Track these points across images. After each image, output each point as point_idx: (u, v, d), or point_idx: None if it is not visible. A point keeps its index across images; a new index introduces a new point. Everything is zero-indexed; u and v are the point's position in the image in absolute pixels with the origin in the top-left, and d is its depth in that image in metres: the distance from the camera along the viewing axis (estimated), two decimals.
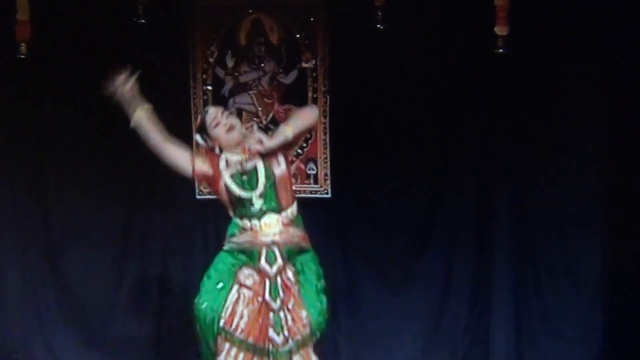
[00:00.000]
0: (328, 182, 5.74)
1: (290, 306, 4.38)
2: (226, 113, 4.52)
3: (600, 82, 5.55)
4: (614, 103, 5.46)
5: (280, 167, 4.46)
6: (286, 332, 4.36)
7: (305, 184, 5.73)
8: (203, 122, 4.50)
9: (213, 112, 4.51)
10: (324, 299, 4.45)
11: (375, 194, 5.75)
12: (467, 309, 5.74)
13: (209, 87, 5.72)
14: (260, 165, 4.42)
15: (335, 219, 5.78)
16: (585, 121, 5.62)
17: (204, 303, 4.35)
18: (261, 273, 4.40)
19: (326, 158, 5.74)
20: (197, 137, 4.54)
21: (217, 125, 4.45)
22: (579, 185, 5.66)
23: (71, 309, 5.83)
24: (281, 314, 4.37)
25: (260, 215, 4.42)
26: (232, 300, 4.35)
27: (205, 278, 4.43)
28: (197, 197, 5.75)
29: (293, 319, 4.37)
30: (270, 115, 5.73)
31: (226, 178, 4.41)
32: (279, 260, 4.41)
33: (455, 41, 5.58)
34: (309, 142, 5.73)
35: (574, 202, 5.67)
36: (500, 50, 5.15)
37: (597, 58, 5.52)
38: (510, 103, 5.65)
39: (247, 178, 4.41)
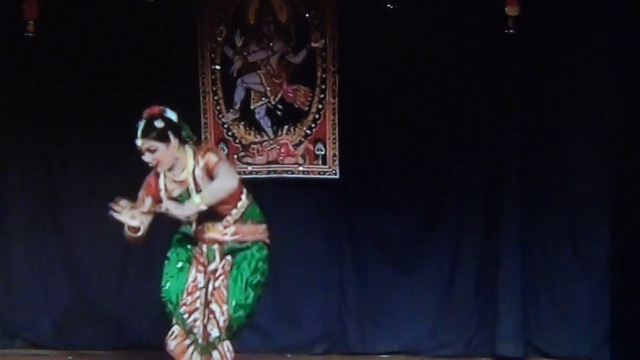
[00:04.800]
0: (336, 162, 5.71)
1: (214, 301, 4.43)
2: (147, 145, 4.38)
3: (611, 62, 5.53)
4: (625, 83, 5.43)
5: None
6: (210, 326, 4.42)
7: (314, 164, 5.72)
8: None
9: (139, 144, 4.39)
10: (251, 293, 4.43)
11: (384, 175, 5.74)
12: (474, 290, 5.72)
13: (217, 67, 5.70)
14: (192, 188, 4.41)
15: (344, 199, 5.77)
16: (595, 100, 5.60)
17: (167, 284, 4.45)
18: (203, 265, 4.47)
19: (335, 139, 5.71)
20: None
21: (142, 153, 4.42)
22: (587, 166, 5.65)
23: (79, 289, 5.84)
24: (212, 305, 4.43)
25: (199, 225, 4.47)
26: (192, 279, 4.44)
27: (165, 261, 4.53)
28: None
29: (216, 313, 4.42)
30: (279, 95, 5.70)
31: (164, 200, 4.43)
32: (217, 259, 4.46)
33: (466, 21, 5.55)
34: (318, 122, 5.71)
35: (582, 184, 5.66)
36: (511, 31, 5.14)
37: (608, 38, 5.49)
38: (520, 82, 5.62)
39: (180, 203, 4.40)
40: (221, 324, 4.40)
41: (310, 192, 5.74)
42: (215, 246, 4.47)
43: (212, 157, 4.39)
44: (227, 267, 4.45)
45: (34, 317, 5.81)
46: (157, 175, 4.50)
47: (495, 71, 5.63)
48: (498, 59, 5.59)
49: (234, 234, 4.47)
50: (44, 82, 5.73)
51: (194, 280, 4.45)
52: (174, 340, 4.45)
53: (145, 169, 5.72)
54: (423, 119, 5.69)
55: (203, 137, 5.71)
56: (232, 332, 4.43)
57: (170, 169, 4.44)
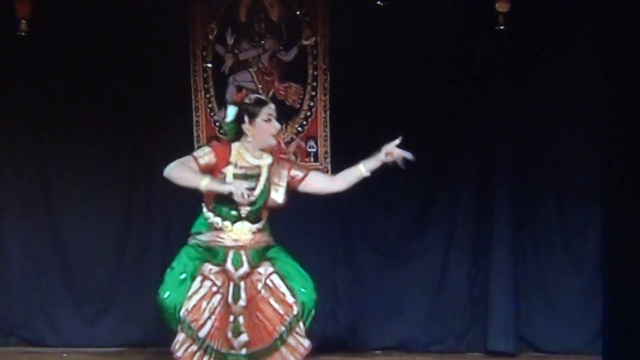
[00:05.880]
0: (328, 160, 5.74)
1: (257, 311, 4.42)
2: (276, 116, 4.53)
3: (601, 56, 5.52)
4: (615, 78, 5.43)
5: (277, 193, 4.53)
6: (244, 337, 4.41)
7: (305, 161, 5.73)
8: (253, 107, 4.47)
9: (272, 108, 4.51)
10: (308, 277, 4.50)
11: (375, 172, 5.73)
12: (466, 287, 5.75)
13: (209, 65, 5.72)
14: (263, 178, 4.47)
15: (335, 197, 5.75)
16: (585, 95, 5.61)
17: (166, 293, 4.41)
18: (226, 274, 4.47)
19: (326, 136, 5.73)
20: (232, 109, 4.52)
21: (269, 120, 4.47)
22: (578, 161, 5.67)
23: (74, 286, 5.86)
24: (240, 318, 4.43)
25: (235, 220, 4.48)
26: (194, 291, 4.41)
27: (168, 269, 4.49)
28: None
29: (264, 320, 4.41)
30: (271, 92, 5.72)
31: (229, 173, 4.43)
32: (245, 265, 4.48)
33: (456, 17, 5.57)
34: (310, 120, 5.73)
35: (573, 179, 5.68)
36: (501, 27, 5.15)
37: (598, 34, 5.50)
38: (510, 77, 5.65)
39: (247, 184, 4.41)
40: (270, 334, 4.41)
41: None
42: (242, 251, 4.49)
43: (298, 172, 4.61)
44: (271, 269, 4.47)
45: (29, 314, 5.83)
46: (229, 148, 4.51)
47: (485, 67, 5.65)
48: (488, 55, 5.61)
49: (257, 241, 4.53)
50: (37, 81, 5.75)
51: (196, 292, 4.41)
52: (181, 348, 4.41)
53: (138, 169, 5.79)
54: (414, 115, 5.70)
55: (195, 135, 5.73)
56: (312, 317, 4.46)
57: (259, 148, 4.51)
